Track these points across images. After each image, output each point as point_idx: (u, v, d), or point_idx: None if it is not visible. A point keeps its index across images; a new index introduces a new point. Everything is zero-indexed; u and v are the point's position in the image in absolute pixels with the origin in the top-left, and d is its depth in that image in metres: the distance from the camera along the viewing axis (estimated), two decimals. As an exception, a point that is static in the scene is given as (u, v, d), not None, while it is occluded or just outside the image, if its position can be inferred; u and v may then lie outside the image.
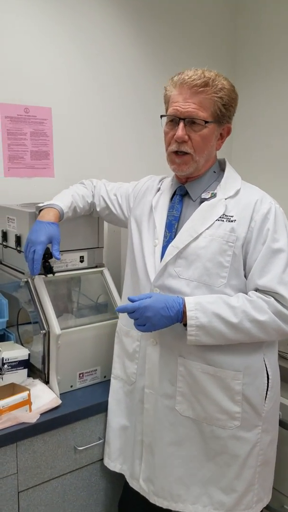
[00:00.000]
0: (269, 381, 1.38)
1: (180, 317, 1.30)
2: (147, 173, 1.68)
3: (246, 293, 1.33)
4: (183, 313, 1.30)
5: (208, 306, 1.28)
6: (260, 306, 1.28)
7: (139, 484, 1.47)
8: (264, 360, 1.37)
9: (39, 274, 1.57)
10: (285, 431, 1.61)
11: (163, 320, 1.30)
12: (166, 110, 1.40)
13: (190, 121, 1.32)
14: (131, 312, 1.32)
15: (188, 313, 1.28)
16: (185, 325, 1.31)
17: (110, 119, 2.14)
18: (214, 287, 1.32)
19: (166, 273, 1.37)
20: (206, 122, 1.32)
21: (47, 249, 1.48)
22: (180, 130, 1.32)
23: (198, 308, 1.28)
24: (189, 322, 1.28)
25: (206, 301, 1.29)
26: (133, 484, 1.50)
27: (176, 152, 1.36)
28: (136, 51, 2.17)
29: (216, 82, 1.31)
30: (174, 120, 1.35)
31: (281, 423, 1.57)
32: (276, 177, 2.35)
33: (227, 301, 1.29)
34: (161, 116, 1.41)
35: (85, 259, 1.75)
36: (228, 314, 1.27)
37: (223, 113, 1.35)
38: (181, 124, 1.33)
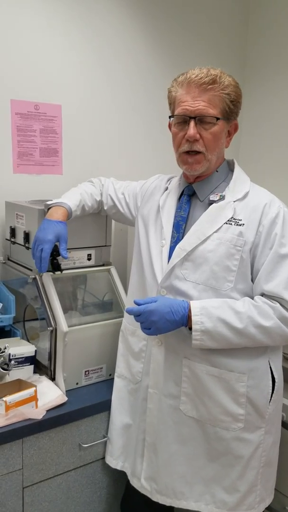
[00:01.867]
0: (275, 384, 1.39)
1: (185, 321, 1.31)
2: (156, 172, 1.68)
3: (252, 297, 1.33)
4: (188, 317, 1.30)
5: (214, 311, 1.29)
6: (266, 311, 1.28)
7: (140, 483, 1.48)
8: (269, 363, 1.38)
9: (47, 271, 1.58)
10: (287, 432, 1.62)
11: (168, 324, 1.30)
12: (173, 111, 1.39)
13: (201, 120, 1.32)
14: (137, 316, 1.33)
15: (193, 318, 1.29)
16: (190, 328, 1.31)
17: (120, 118, 2.14)
18: (221, 291, 1.33)
19: (173, 275, 1.38)
20: (217, 119, 1.32)
21: (55, 246, 1.49)
22: (192, 129, 1.32)
23: (204, 313, 1.29)
24: (194, 326, 1.29)
25: (212, 306, 1.30)
26: (133, 482, 1.51)
27: (188, 152, 1.36)
28: (147, 50, 2.17)
29: (223, 79, 1.31)
30: (183, 120, 1.34)
31: (284, 425, 1.58)
32: (284, 179, 2.35)
33: (233, 306, 1.29)
34: (170, 117, 1.40)
35: (93, 257, 1.76)
36: (233, 319, 1.28)
37: (231, 110, 1.35)
38: (192, 123, 1.32)
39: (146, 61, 2.17)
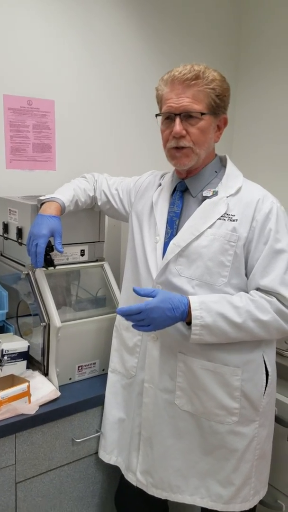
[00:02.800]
0: (268, 377, 1.40)
1: (185, 316, 1.30)
2: (150, 168, 1.68)
3: (247, 292, 1.34)
4: (187, 313, 1.30)
5: (213, 306, 1.29)
6: (263, 306, 1.29)
7: (135, 477, 1.48)
8: (263, 356, 1.39)
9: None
10: (280, 427, 1.63)
11: (168, 320, 1.30)
12: (160, 109, 1.40)
13: (186, 115, 1.32)
14: (136, 313, 1.28)
15: (193, 313, 1.29)
16: (188, 323, 1.32)
17: (114, 114, 2.14)
18: (215, 286, 1.33)
19: (167, 271, 1.38)
20: (202, 114, 1.32)
21: (49, 241, 1.49)
22: (177, 126, 1.32)
23: (203, 307, 1.29)
24: (194, 321, 1.29)
25: (211, 301, 1.30)
26: (128, 476, 1.51)
27: (176, 147, 1.36)
28: (141, 47, 2.17)
29: (207, 74, 1.31)
30: (169, 117, 1.35)
31: (276, 419, 1.59)
32: (276, 175, 2.36)
33: (231, 301, 1.30)
34: (156, 115, 1.40)
35: (86, 252, 1.76)
36: (232, 314, 1.28)
37: (218, 104, 1.34)
38: (177, 120, 1.32)
39: (140, 58, 2.17)
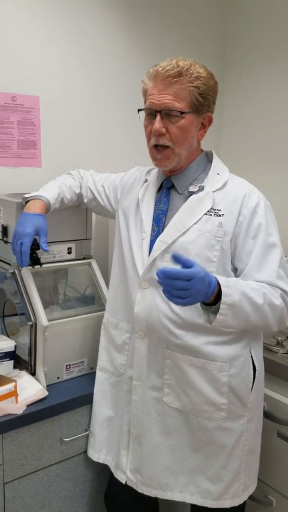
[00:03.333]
0: (256, 372, 1.39)
1: (210, 294, 1.18)
2: (136, 164, 1.67)
3: None
4: (212, 292, 1.19)
5: (237, 285, 1.22)
6: (272, 291, 1.27)
7: (125, 475, 1.48)
8: (250, 352, 1.39)
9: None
10: (269, 422, 1.63)
11: (203, 296, 1.16)
12: (145, 103, 1.38)
13: (167, 113, 1.31)
14: (186, 280, 1.10)
15: (223, 289, 1.18)
16: (208, 304, 1.22)
17: (100, 109, 2.12)
18: None
19: (154, 268, 1.37)
20: (182, 113, 1.30)
21: (35, 240, 1.47)
22: (157, 123, 1.31)
23: (230, 285, 1.20)
24: (223, 299, 1.18)
25: (233, 280, 1.24)
26: (117, 474, 1.50)
27: (156, 147, 1.35)
28: (126, 42, 2.15)
29: (191, 71, 1.29)
30: (151, 113, 1.34)
31: (265, 414, 1.59)
32: (264, 169, 2.36)
33: (247, 283, 1.25)
34: (139, 110, 1.39)
35: (73, 250, 1.74)
36: (253, 294, 1.23)
37: (201, 102, 1.32)
38: (158, 117, 1.31)
39: (125, 54, 2.15)
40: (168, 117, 1.31)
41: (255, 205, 1.32)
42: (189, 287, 1.10)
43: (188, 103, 1.30)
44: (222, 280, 1.20)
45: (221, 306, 1.19)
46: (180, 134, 1.32)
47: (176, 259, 1.12)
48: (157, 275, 1.11)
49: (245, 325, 1.28)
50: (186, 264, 1.11)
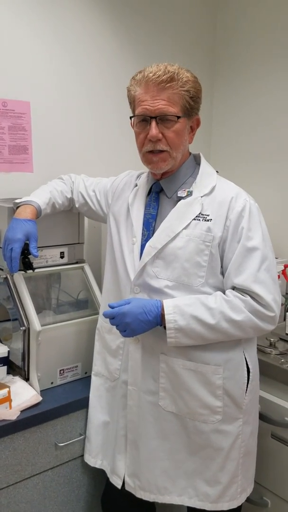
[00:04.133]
0: (250, 374, 1.40)
1: (159, 320, 1.32)
2: (128, 168, 1.67)
3: (224, 290, 1.34)
4: (162, 316, 1.31)
5: (186, 309, 1.30)
6: (237, 305, 1.29)
7: (121, 480, 1.47)
8: (244, 354, 1.39)
9: (18, 270, 1.56)
10: (264, 424, 1.64)
11: (142, 325, 1.31)
12: (133, 110, 1.38)
13: (162, 118, 1.31)
14: (111, 318, 1.34)
15: (167, 317, 1.30)
16: (165, 327, 1.32)
17: (91, 114, 2.12)
18: (193, 287, 1.34)
19: (145, 273, 1.38)
20: (178, 117, 1.31)
21: (26, 245, 1.47)
22: (154, 129, 1.31)
23: (177, 311, 1.30)
24: (168, 325, 1.30)
25: (184, 304, 1.30)
26: (113, 479, 1.50)
27: (152, 151, 1.35)
28: (118, 47, 2.15)
29: (181, 76, 1.30)
30: (145, 120, 1.33)
31: (260, 416, 1.60)
32: (254, 171, 2.38)
33: (205, 302, 1.30)
34: (131, 117, 1.39)
35: (66, 255, 1.74)
36: (206, 315, 1.29)
37: (192, 106, 1.34)
38: (153, 123, 1.31)
39: (117, 58, 2.16)
40: (163, 122, 1.32)
41: (241, 209, 1.33)
42: (117, 323, 1.33)
43: (181, 107, 1.32)
44: (169, 307, 1.30)
45: (167, 331, 1.30)
46: (176, 138, 1.33)
47: (110, 306, 1.34)
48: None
49: (204, 342, 1.33)
50: (113, 312, 1.32)
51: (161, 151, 1.34)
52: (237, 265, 1.31)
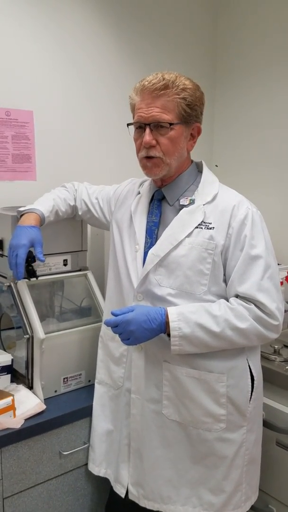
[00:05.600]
0: (254, 382, 1.39)
1: (163, 328, 1.31)
2: (131, 176, 1.68)
3: (227, 298, 1.34)
4: (166, 324, 1.30)
5: (191, 316, 1.29)
6: (241, 313, 1.29)
7: (125, 489, 1.47)
8: (247, 362, 1.39)
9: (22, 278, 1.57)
10: (268, 431, 1.63)
11: (146, 332, 1.30)
12: (133, 118, 1.40)
13: (156, 125, 1.32)
14: (114, 327, 1.33)
15: (171, 324, 1.29)
16: (168, 335, 1.31)
17: (93, 123, 2.13)
18: (196, 295, 1.34)
19: (147, 281, 1.38)
20: (171, 124, 1.32)
21: (30, 252, 1.47)
22: (147, 136, 1.32)
23: (181, 318, 1.29)
24: (172, 333, 1.29)
25: (189, 311, 1.30)
26: (117, 488, 1.49)
27: (146, 157, 1.37)
28: (121, 56, 2.17)
29: (177, 83, 1.31)
30: (141, 127, 1.35)
31: (265, 423, 1.59)
32: (255, 178, 2.38)
33: (209, 310, 1.30)
34: (128, 125, 1.41)
35: (69, 262, 1.75)
36: (210, 323, 1.28)
37: (189, 113, 1.34)
38: (147, 130, 1.33)
39: (119, 67, 2.17)
40: (157, 129, 1.33)
41: (244, 217, 1.33)
42: (121, 331, 1.31)
43: (176, 114, 1.32)
44: (173, 314, 1.30)
45: (172, 339, 1.30)
46: (170, 145, 1.34)
47: (113, 313, 1.33)
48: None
49: (208, 350, 1.32)
50: (117, 320, 1.31)
51: (154, 157, 1.35)
52: (241, 273, 1.31)
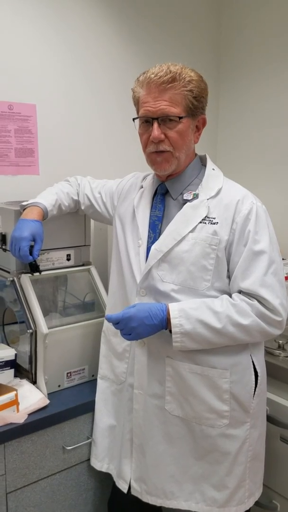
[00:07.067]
0: (258, 378, 1.39)
1: (165, 324, 1.30)
2: (134, 170, 1.67)
3: (230, 294, 1.33)
4: (168, 320, 1.30)
5: (192, 313, 1.28)
6: (244, 309, 1.28)
7: (127, 484, 1.46)
8: (251, 357, 1.38)
9: (25, 273, 1.56)
10: (272, 426, 1.62)
11: (148, 329, 1.30)
12: (137, 111, 1.37)
13: (164, 119, 1.30)
14: (115, 323, 1.33)
15: (172, 321, 1.28)
16: (170, 331, 1.31)
17: (97, 116, 2.12)
18: (199, 290, 1.32)
19: (150, 276, 1.37)
20: (180, 117, 1.30)
21: (31, 247, 1.46)
22: (156, 130, 1.30)
23: (182, 315, 1.28)
24: (173, 329, 1.29)
25: (190, 307, 1.29)
26: (119, 483, 1.49)
27: (155, 152, 1.34)
28: (125, 48, 2.15)
29: (184, 75, 1.28)
30: (147, 121, 1.33)
31: (268, 419, 1.58)
32: (260, 173, 2.36)
33: (211, 306, 1.29)
34: (134, 119, 1.38)
35: (72, 257, 1.74)
36: (212, 319, 1.27)
37: (196, 106, 1.32)
38: (155, 124, 1.30)
39: (122, 60, 2.15)
40: (165, 123, 1.31)
41: (248, 212, 1.31)
42: (123, 327, 1.32)
43: (183, 107, 1.30)
44: (175, 311, 1.29)
45: (173, 335, 1.29)
46: (179, 138, 1.32)
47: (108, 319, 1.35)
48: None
49: (210, 346, 1.31)
50: (118, 316, 1.32)
51: (164, 151, 1.33)
52: (244, 268, 1.29)
